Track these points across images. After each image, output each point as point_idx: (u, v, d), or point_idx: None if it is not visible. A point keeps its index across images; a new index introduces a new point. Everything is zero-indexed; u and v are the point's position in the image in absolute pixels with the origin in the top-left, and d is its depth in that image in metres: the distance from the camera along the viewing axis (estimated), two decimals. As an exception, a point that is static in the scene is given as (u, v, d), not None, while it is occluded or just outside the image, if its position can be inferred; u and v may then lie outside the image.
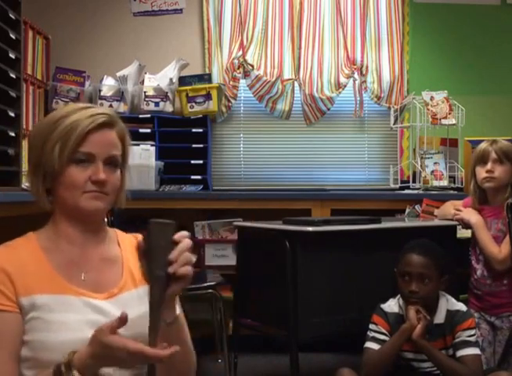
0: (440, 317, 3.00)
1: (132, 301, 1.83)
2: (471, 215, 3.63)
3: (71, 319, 1.73)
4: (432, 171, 4.85)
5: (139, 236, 1.88)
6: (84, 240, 1.85)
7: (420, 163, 4.86)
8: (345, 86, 5.39)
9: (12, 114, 3.72)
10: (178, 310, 1.81)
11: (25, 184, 3.60)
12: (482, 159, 3.57)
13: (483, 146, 3.61)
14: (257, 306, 3.66)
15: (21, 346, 1.70)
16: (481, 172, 3.56)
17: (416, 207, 4.44)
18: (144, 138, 4.84)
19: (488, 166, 3.53)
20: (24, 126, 4.16)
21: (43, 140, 1.82)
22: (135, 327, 1.71)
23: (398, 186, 5.09)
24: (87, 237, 1.86)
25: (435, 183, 4.82)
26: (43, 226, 1.89)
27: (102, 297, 1.81)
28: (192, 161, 4.97)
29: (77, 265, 1.82)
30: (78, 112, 1.83)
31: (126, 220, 3.48)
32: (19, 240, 1.85)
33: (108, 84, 5.02)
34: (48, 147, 1.80)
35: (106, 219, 2.03)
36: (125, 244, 1.97)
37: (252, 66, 5.30)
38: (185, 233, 1.69)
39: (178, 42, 5.39)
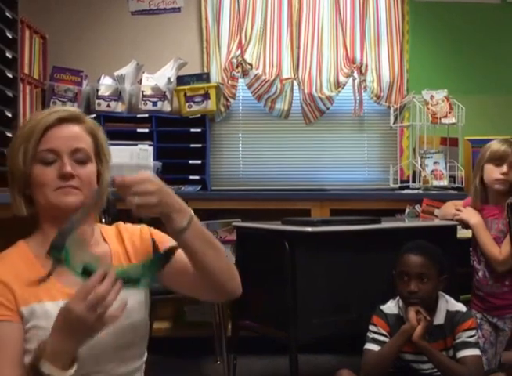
0: (440, 318, 3.00)
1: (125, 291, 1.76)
2: (471, 216, 3.61)
3: None
4: (432, 171, 4.86)
5: (121, 224, 2.02)
6: None
7: (419, 162, 4.87)
8: (344, 85, 5.39)
9: (9, 114, 3.73)
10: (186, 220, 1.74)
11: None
12: (499, 159, 3.50)
13: (502, 146, 3.52)
14: (256, 307, 3.66)
15: (23, 354, 1.70)
16: (495, 172, 3.50)
17: (416, 207, 4.44)
18: (142, 138, 4.84)
19: (504, 169, 3.47)
20: (21, 126, 4.17)
21: (11, 147, 1.85)
22: (132, 316, 1.81)
23: (397, 185, 5.10)
24: None
25: (435, 183, 4.82)
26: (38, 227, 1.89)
27: None
28: (191, 161, 4.97)
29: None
30: (41, 114, 1.84)
31: (124, 221, 3.47)
32: (10, 251, 1.84)
33: (106, 84, 5.01)
34: (14, 153, 1.82)
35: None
36: (111, 238, 1.96)
37: (251, 65, 5.30)
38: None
39: (176, 41, 5.39)
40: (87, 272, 1.62)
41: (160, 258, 1.73)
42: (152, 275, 1.69)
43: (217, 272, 1.83)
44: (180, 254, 1.78)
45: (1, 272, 1.75)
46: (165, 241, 1.84)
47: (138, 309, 1.87)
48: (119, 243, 1.95)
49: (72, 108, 1.91)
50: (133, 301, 1.80)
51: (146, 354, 1.96)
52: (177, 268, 1.84)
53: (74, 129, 1.84)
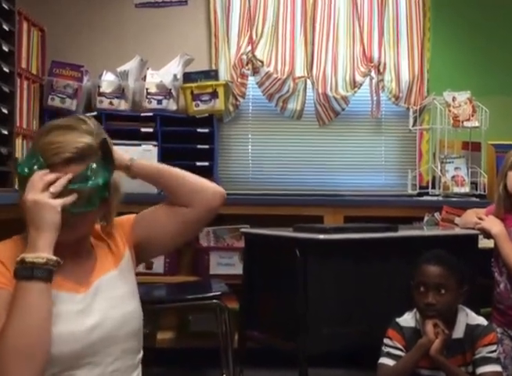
0: (459, 332, 2.98)
1: (113, 281, 2.01)
2: (493, 225, 3.58)
3: (63, 310, 1.85)
4: (453, 177, 4.85)
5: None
6: (61, 251, 1.86)
7: (440, 168, 4.87)
8: (361, 85, 5.39)
9: (5, 111, 3.74)
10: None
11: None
12: None
13: None
14: (264, 318, 3.67)
15: None
16: None
17: (435, 214, 4.44)
18: (145, 138, 4.84)
19: None
20: (18, 124, 4.18)
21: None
22: (125, 304, 2.00)
23: (416, 192, 5.09)
24: (64, 249, 1.88)
25: (456, 190, 4.81)
26: None
27: (82, 290, 1.93)
28: (198, 163, 4.93)
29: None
30: (52, 144, 1.88)
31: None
32: (6, 242, 1.93)
33: (108, 80, 5.01)
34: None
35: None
36: (94, 241, 2.08)
37: (262, 62, 5.30)
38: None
39: (182, 36, 5.39)
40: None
41: (105, 161, 1.94)
42: (100, 176, 1.91)
43: (180, 186, 2.13)
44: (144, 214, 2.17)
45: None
46: (126, 217, 2.18)
47: (129, 298, 2.03)
48: (99, 240, 2.10)
49: (82, 142, 1.89)
50: (123, 291, 2.02)
51: (141, 352, 2.08)
52: (148, 220, 2.17)
53: (79, 169, 1.88)
